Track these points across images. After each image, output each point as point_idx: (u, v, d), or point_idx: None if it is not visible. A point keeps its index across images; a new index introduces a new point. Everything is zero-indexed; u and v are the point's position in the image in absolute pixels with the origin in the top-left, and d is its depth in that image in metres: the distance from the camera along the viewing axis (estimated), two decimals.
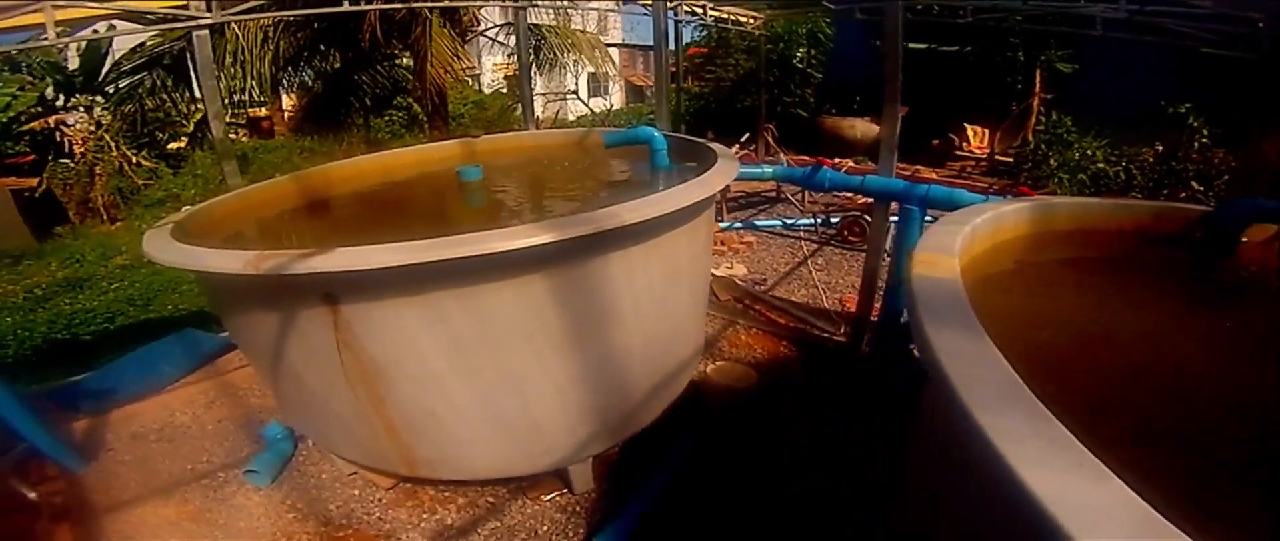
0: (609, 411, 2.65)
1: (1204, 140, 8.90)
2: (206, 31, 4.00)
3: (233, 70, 6.46)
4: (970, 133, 11.34)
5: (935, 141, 11.09)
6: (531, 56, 9.39)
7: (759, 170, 4.71)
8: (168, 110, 9.61)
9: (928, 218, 3.56)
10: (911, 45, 11.48)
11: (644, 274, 2.46)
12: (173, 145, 12.50)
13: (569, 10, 11.02)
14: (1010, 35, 10.01)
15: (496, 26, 9.18)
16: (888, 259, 4.31)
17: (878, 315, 4.31)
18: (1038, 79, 10.18)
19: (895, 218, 3.88)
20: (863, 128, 11.41)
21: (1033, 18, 8.70)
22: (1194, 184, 8.70)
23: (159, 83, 7.60)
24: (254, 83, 6.60)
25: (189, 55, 6.98)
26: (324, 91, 8.75)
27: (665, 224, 2.35)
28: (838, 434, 3.43)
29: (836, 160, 9.66)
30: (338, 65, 8.80)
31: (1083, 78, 10.41)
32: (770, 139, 9.96)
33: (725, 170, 2.83)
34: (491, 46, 10.43)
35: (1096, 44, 9.53)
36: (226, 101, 7.97)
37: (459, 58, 7.09)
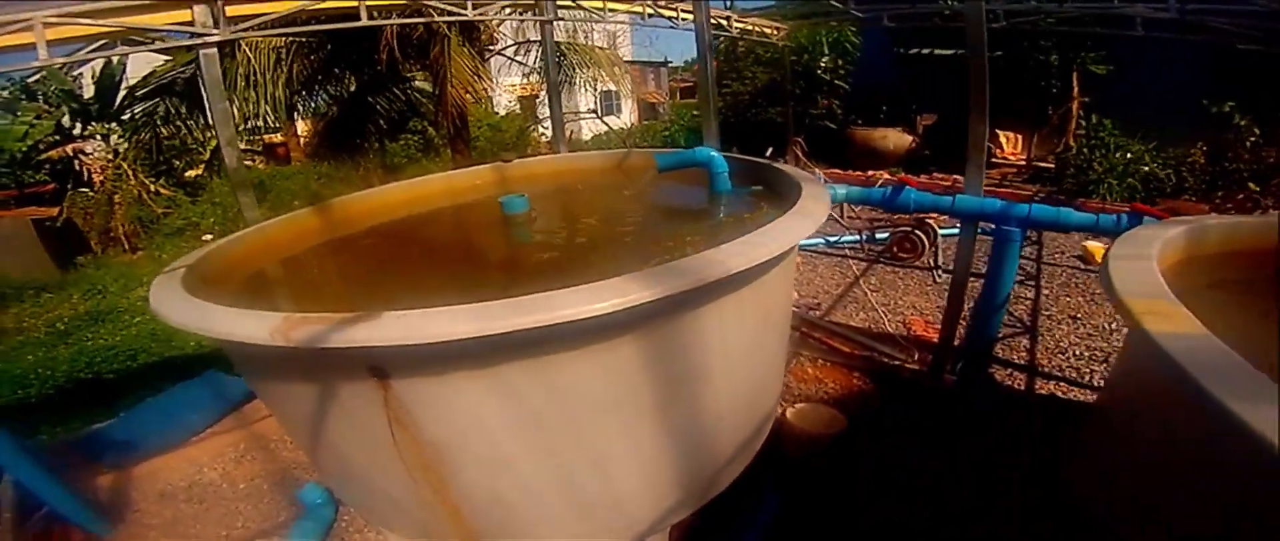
0: (695, 477, 2.25)
1: (1256, 138, 8.42)
2: (215, 51, 3.66)
3: (247, 93, 6.14)
4: (1003, 139, 10.91)
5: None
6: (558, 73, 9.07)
7: (830, 191, 4.27)
8: (183, 138, 9.35)
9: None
10: (937, 51, 11.12)
11: (737, 324, 2.05)
12: (190, 173, 12.29)
13: (582, 27, 10.69)
14: (1041, 38, 9.59)
15: (515, 44, 8.85)
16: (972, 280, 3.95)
17: (964, 340, 3.90)
18: (1075, 82, 9.73)
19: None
20: (895, 138, 11.00)
21: (1067, 20, 8.32)
22: (1251, 185, 8.22)
23: (173, 110, 7.31)
24: (268, 106, 6.28)
25: (199, 78, 6.71)
26: (339, 116, 8.44)
27: (767, 266, 1.94)
28: (913, 463, 3.17)
29: (871, 172, 9.27)
30: (353, 88, 8.50)
31: (1118, 79, 9.98)
32: (800, 152, 9.60)
33: (819, 197, 2.42)
34: (505, 67, 10.07)
35: (1130, 44, 9.12)
36: (240, 127, 7.68)
37: (479, 77, 6.76)
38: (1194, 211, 7.31)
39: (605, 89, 20.13)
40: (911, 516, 2.81)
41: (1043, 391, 4.19)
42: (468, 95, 6.65)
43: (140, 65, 9.72)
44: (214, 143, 12.83)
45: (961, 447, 3.33)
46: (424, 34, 6.55)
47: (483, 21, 7.58)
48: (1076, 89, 9.79)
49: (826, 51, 11.56)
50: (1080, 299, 5.77)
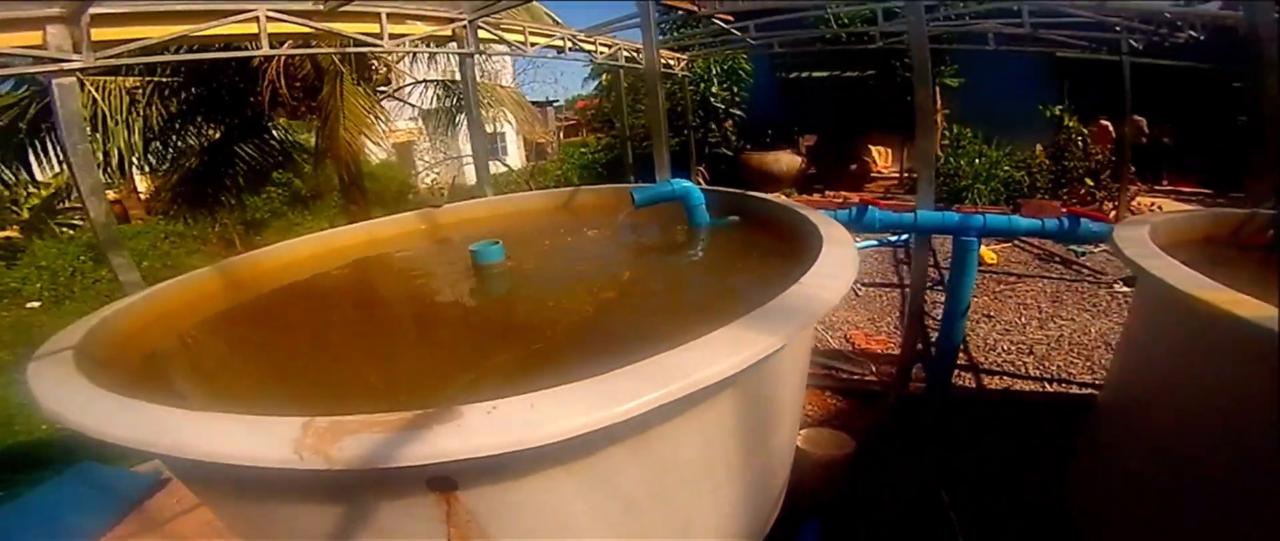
0: (759, 518, 2.02)
1: (1084, 138, 9.60)
2: (73, 82, 2.96)
3: (93, 140, 5.12)
4: (875, 153, 11.72)
5: (853, 166, 11.32)
6: (464, 113, 8.53)
7: None
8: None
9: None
10: (813, 73, 11.81)
11: (804, 353, 1.85)
12: (1, 234, 10.30)
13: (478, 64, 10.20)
14: (905, 56, 10.45)
15: (408, 84, 8.22)
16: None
17: (928, 348, 3.98)
18: (938, 96, 10.67)
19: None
20: (787, 160, 11.47)
21: (932, 37, 9.11)
22: (1088, 181, 9.33)
23: None
24: (128, 154, 5.28)
25: (41, 119, 5.55)
26: (200, 166, 7.34)
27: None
28: (913, 471, 3.26)
29: (775, 194, 9.56)
30: (217, 136, 7.48)
31: (967, 90, 11.07)
32: (702, 180, 9.73)
33: (832, 222, 2.29)
34: (396, 110, 9.33)
35: (975, 57, 10.19)
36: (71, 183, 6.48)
37: (377, 119, 6.14)
38: (1051, 210, 8.17)
39: (491, 131, 19.51)
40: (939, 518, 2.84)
41: (991, 386, 4.42)
42: (362, 139, 6.00)
43: None
44: (34, 201, 10.88)
45: (952, 449, 3.42)
46: (312, 72, 5.85)
47: (380, 58, 6.99)
48: (939, 102, 10.74)
49: (715, 81, 11.89)
50: (986, 298, 6.19)
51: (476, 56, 5.20)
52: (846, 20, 9.23)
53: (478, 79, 9.21)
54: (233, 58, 4.48)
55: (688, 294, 2.54)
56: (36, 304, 9.56)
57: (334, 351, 2.30)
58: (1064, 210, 3.59)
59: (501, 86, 8.97)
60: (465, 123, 9.28)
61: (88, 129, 5.14)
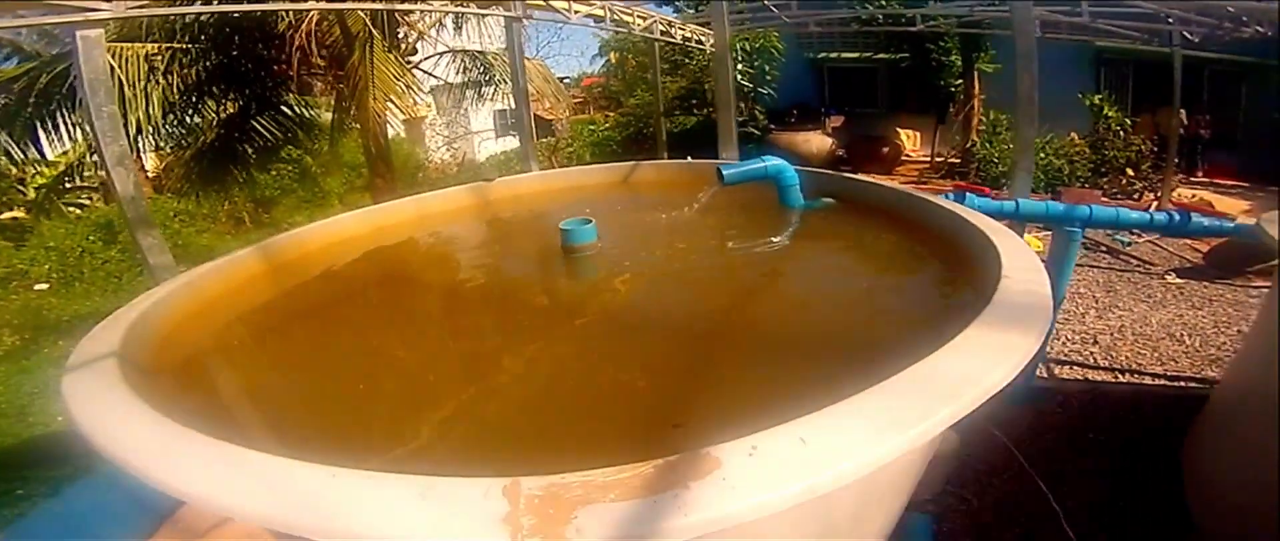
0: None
1: (1125, 128, 9.26)
2: (99, 33, 2.61)
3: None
4: (904, 136, 11.36)
5: (885, 149, 10.95)
6: (489, 85, 8.15)
7: None
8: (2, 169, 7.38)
9: None
10: (843, 55, 11.42)
11: None
12: (7, 215, 9.93)
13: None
14: (941, 40, 10.05)
15: (432, 55, 7.82)
16: None
17: None
18: (976, 81, 10.28)
19: None
20: (817, 142, 11.11)
21: (973, 23, 8.74)
22: (1128, 171, 9.01)
23: None
24: (145, 126, 4.92)
25: (52, 92, 5.17)
26: (215, 141, 6.96)
27: None
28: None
29: None
30: (233, 108, 7.10)
31: (1002, 76, 10.67)
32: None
33: (988, 221, 1.94)
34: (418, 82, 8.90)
35: (1009, 42, 9.81)
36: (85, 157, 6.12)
37: (408, 89, 5.77)
38: (1091, 198, 7.85)
39: (501, 108, 18.97)
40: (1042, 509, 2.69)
41: (1063, 375, 4.37)
42: (392, 110, 5.64)
43: None
44: (40, 179, 10.48)
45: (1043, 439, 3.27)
46: (340, 38, 5.48)
47: (411, 25, 6.62)
48: (976, 88, 10.35)
49: (743, 58, 11.45)
50: None
51: (522, 21, 4.85)
52: (886, 2, 8.87)
53: (495, 51, 8.83)
54: (267, 9, 4.10)
55: (820, 286, 2.18)
56: (45, 286, 9.22)
57: (431, 353, 1.95)
58: (1102, 199, 3.52)
59: (528, 59, 8.55)
60: (473, 98, 8.98)
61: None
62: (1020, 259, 1.50)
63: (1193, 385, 4.17)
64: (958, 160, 10.20)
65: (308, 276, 2.53)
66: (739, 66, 11.36)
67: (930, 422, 0.84)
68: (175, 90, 5.46)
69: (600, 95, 21.76)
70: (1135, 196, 8.97)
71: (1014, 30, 3.70)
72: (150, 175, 13.53)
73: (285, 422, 1.55)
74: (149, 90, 4.97)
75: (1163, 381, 4.24)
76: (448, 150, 15.41)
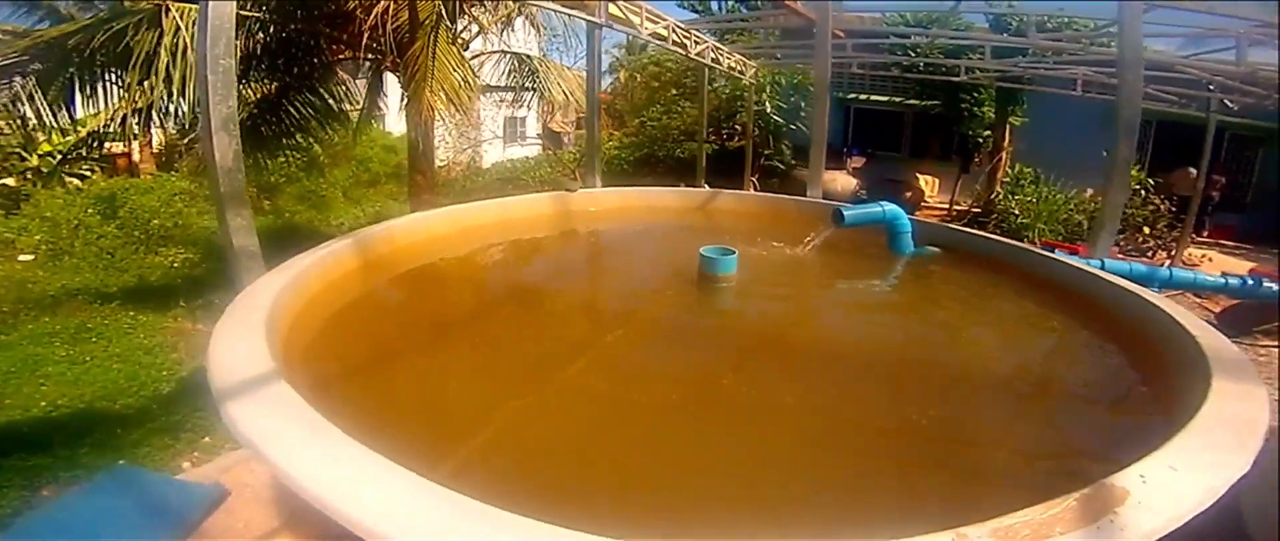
0: None
1: (1146, 188, 9.43)
2: None
3: (169, 71, 4.43)
4: (923, 182, 11.46)
5: (908, 193, 11.02)
6: (532, 90, 8.00)
7: None
8: (18, 134, 6.98)
9: None
10: (872, 97, 11.54)
11: None
12: (9, 181, 9.43)
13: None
14: (977, 91, 10.20)
15: (483, 53, 7.64)
16: None
17: None
18: (1008, 133, 10.42)
19: None
20: (842, 181, 11.14)
21: (1012, 77, 8.93)
22: (1146, 230, 9.16)
23: (23, 96, 5.24)
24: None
25: (102, 53, 4.86)
26: (244, 121, 6.66)
27: None
28: None
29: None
30: (270, 89, 6.85)
31: (1027, 129, 10.89)
32: (753, 190, 9.37)
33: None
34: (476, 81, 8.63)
35: (1035, 96, 10.08)
36: (123, 117, 5.80)
37: (466, 84, 5.58)
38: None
39: (512, 115, 18.83)
40: None
41: None
42: (447, 105, 5.43)
43: None
44: (45, 146, 10.03)
45: None
46: (406, 24, 5.30)
47: (473, 16, 6.47)
48: (1007, 139, 10.49)
49: (778, 93, 11.46)
50: None
51: (602, 28, 4.76)
52: (927, 50, 9.02)
53: (534, 57, 8.71)
54: None
55: (983, 336, 2.11)
56: (30, 256, 8.73)
57: (601, 382, 1.75)
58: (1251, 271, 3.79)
59: (568, 67, 8.46)
60: (510, 102, 8.78)
61: (166, 59, 4.52)
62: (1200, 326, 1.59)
63: None
64: (979, 210, 10.29)
65: (416, 275, 2.37)
66: (772, 100, 11.39)
67: (1247, 456, 1.00)
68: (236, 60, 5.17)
69: (604, 112, 21.76)
70: (1149, 254, 9.11)
71: (1119, 100, 3.67)
72: (155, 150, 13.08)
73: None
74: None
75: None
76: (462, 153, 15.12)
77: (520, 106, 9.67)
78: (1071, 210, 9.42)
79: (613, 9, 4.71)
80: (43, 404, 4.78)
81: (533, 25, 7.68)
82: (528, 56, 7.80)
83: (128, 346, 5.86)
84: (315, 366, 1.50)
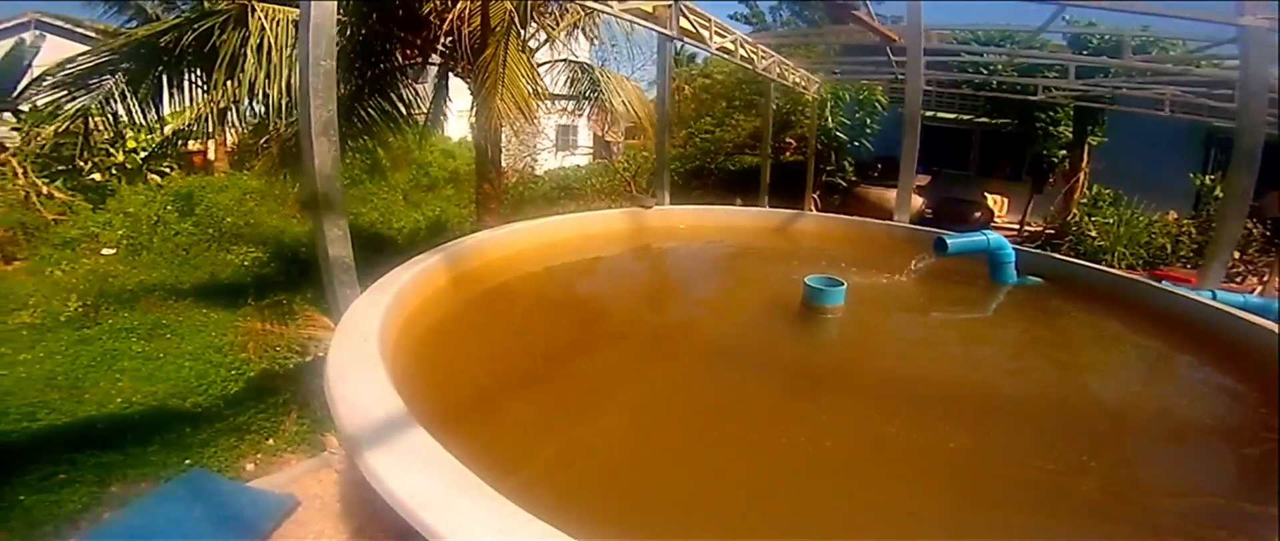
0: None
1: None
2: None
3: (256, 71, 4.47)
4: (992, 202, 10.94)
5: (977, 213, 10.51)
6: (592, 100, 7.92)
7: None
8: (109, 130, 7.23)
9: None
10: (939, 114, 11.10)
11: None
12: (97, 176, 9.85)
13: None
14: (1053, 109, 9.68)
15: (545, 63, 7.60)
16: None
17: None
18: (1086, 154, 9.87)
19: None
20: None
21: (1094, 97, 8.46)
22: (1234, 254, 8.51)
23: (115, 94, 5.40)
24: (283, 99, 4.67)
25: (190, 51, 4.95)
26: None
27: None
28: None
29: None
30: (346, 91, 6.91)
31: (1106, 149, 10.30)
32: (813, 208, 9.07)
33: None
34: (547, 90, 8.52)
35: (1118, 117, 9.51)
36: (205, 116, 5.91)
37: (536, 95, 5.50)
38: (1180, 278, 7.36)
39: (563, 124, 18.85)
40: None
41: None
42: (516, 112, 5.36)
43: (55, 53, 7.56)
44: (130, 143, 10.44)
45: None
46: (479, 29, 5.27)
47: (542, 24, 6.42)
48: (1086, 160, 9.93)
49: (842, 108, 11.09)
50: None
51: (675, 42, 4.61)
52: (1001, 68, 8.62)
53: (594, 66, 8.62)
54: None
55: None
56: (112, 251, 9.06)
57: (728, 426, 1.57)
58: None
59: (629, 79, 8.34)
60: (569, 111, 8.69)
61: (252, 60, 4.55)
62: None
63: None
64: (1052, 231, 9.73)
65: (507, 280, 2.24)
66: (836, 115, 11.02)
67: None
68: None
69: (649, 123, 21.39)
70: (1238, 280, 8.45)
71: (1239, 127, 3.38)
72: (228, 149, 13.51)
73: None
74: (294, 58, 4.74)
75: None
76: (520, 161, 15.18)
77: (577, 115, 9.61)
78: (1154, 233, 8.81)
79: (683, 22, 4.57)
80: (118, 400, 4.86)
81: (586, 35, 7.59)
82: (588, 66, 7.72)
83: (199, 344, 5.96)
84: (434, 397, 1.37)
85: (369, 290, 1.80)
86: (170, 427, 4.58)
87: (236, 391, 5.22)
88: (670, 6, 4.45)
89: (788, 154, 12.42)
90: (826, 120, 10.63)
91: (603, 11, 4.18)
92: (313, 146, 2.33)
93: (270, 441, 4.62)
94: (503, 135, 15.99)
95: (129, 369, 5.43)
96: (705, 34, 5.07)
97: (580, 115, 9.40)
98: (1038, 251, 3.22)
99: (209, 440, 4.52)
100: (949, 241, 2.83)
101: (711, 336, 2.20)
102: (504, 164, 16.92)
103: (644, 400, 1.63)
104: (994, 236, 2.93)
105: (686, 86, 15.97)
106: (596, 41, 7.75)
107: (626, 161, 18.24)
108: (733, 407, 1.65)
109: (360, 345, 1.28)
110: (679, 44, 4.84)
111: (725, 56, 5.77)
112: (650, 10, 4.33)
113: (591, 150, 20.28)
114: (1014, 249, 2.91)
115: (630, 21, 4.43)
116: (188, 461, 4.32)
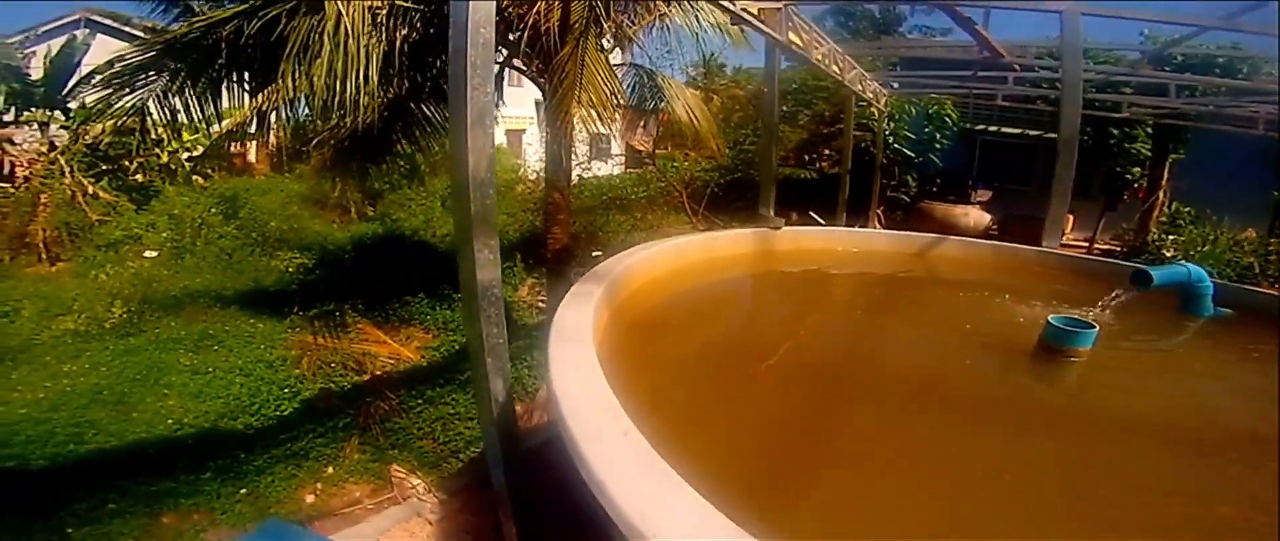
0: None
1: None
2: None
3: (333, 60, 3.97)
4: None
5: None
6: (652, 108, 7.42)
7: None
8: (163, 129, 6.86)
9: None
10: (1002, 129, 10.51)
11: None
12: (139, 176, 9.51)
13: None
14: (1130, 125, 9.06)
15: (617, 67, 7.09)
16: None
17: None
18: (1167, 171, 9.23)
19: None
20: (975, 216, 10.12)
21: (1178, 114, 7.86)
22: None
23: (172, 88, 4.96)
24: (361, 91, 4.19)
25: (248, 45, 4.49)
26: (373, 124, 6.23)
27: None
28: None
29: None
30: (401, 91, 6.41)
31: (1183, 166, 9.66)
32: (878, 223, 8.54)
33: None
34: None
35: (1197, 133, 8.89)
36: (260, 113, 5.46)
37: (614, 95, 5.01)
38: None
39: (596, 131, 18.27)
40: None
41: None
42: (592, 117, 4.87)
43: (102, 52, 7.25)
44: (173, 146, 10.10)
45: None
46: (557, 25, 4.79)
47: (622, 28, 5.94)
48: (1166, 178, 9.29)
49: (906, 123, 10.51)
50: None
51: (781, 47, 4.12)
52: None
53: (658, 73, 8.09)
54: None
55: None
56: (154, 253, 8.70)
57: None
58: None
59: (683, 84, 7.82)
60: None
61: (330, 48, 4.07)
62: None
63: None
64: (1124, 250, 9.08)
65: (690, 330, 1.79)
66: (899, 129, 10.43)
67: None
68: (381, 52, 4.71)
69: (681, 132, 20.89)
70: None
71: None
72: (269, 151, 13.15)
73: None
74: (371, 48, 4.27)
75: None
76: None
77: (638, 122, 9.11)
78: (1240, 253, 8.16)
79: (791, 33, 4.11)
80: (169, 421, 4.40)
81: (628, 38, 7.04)
82: (652, 72, 7.21)
83: (248, 358, 5.49)
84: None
85: (563, 341, 1.31)
86: (223, 451, 4.12)
87: (290, 412, 4.74)
88: (778, 10, 3.99)
89: (826, 165, 11.88)
90: (889, 134, 10.08)
91: (720, 8, 3.67)
92: (466, 138, 1.72)
93: (330, 469, 4.14)
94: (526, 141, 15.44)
95: (177, 384, 4.98)
96: (806, 39, 4.60)
97: (641, 123, 8.88)
98: (1234, 284, 3.24)
99: (265, 467, 4.05)
100: (1154, 274, 2.58)
101: (954, 385, 1.77)
102: (535, 174, 16.54)
103: (928, 471, 1.23)
104: (1194, 268, 2.79)
105: (715, 95, 15.44)
106: (638, 46, 7.20)
107: (660, 171, 17.71)
108: (1031, 487, 1.22)
109: (600, 421, 0.81)
110: (800, 56, 4.42)
111: (816, 65, 5.26)
112: (756, 11, 3.86)
113: (623, 158, 19.79)
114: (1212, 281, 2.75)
115: (751, 27, 3.98)
116: (243, 490, 3.87)
